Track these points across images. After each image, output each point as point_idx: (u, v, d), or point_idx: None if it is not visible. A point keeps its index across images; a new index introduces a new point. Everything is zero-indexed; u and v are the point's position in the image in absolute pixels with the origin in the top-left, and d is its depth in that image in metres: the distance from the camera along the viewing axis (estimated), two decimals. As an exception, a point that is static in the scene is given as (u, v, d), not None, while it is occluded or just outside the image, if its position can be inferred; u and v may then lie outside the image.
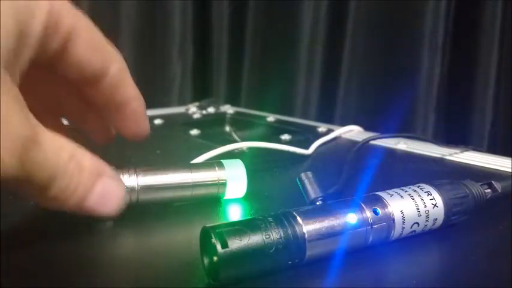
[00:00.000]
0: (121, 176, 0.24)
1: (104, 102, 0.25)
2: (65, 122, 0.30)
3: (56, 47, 0.21)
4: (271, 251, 0.18)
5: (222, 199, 0.27)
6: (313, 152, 0.40)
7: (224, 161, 0.27)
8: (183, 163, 0.28)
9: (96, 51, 0.23)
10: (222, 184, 0.27)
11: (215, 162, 0.27)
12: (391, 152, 0.41)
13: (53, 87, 0.26)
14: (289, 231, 0.18)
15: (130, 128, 0.26)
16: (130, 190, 0.24)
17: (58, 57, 0.21)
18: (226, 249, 0.17)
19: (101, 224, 0.24)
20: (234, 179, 0.27)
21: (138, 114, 0.26)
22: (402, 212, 0.21)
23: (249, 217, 0.19)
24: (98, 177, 0.20)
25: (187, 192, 0.26)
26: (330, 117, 0.80)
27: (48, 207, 0.20)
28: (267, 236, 0.18)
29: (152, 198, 0.25)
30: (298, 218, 0.19)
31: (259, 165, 0.29)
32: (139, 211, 0.26)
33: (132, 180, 0.24)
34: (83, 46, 0.22)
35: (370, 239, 0.20)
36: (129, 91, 0.25)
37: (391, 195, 0.22)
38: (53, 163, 0.18)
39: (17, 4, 0.18)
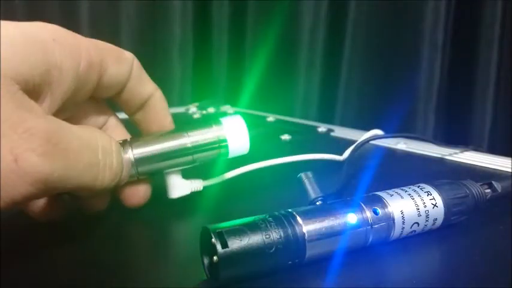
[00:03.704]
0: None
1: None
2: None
3: (94, 79, 0.22)
4: (271, 251, 0.18)
5: (226, 158, 0.26)
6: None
7: (222, 118, 0.26)
8: (179, 128, 0.26)
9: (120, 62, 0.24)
10: (223, 142, 0.25)
11: (212, 121, 0.26)
12: (391, 152, 0.41)
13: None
14: (289, 231, 0.18)
15: (154, 127, 0.26)
16: (128, 163, 0.23)
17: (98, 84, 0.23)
18: (226, 249, 0.17)
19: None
20: (234, 135, 0.25)
21: (161, 109, 0.26)
22: (402, 212, 0.21)
23: (249, 217, 0.19)
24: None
25: (188, 158, 0.25)
26: (330, 117, 0.80)
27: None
28: (267, 236, 0.18)
29: (150, 169, 0.24)
30: (298, 218, 0.19)
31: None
32: (139, 210, 0.26)
33: (128, 153, 0.24)
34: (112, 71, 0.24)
35: (370, 239, 0.20)
36: (148, 87, 0.26)
37: (391, 195, 0.22)
38: (90, 148, 0.20)
39: (70, 48, 0.21)
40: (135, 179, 0.25)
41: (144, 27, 0.82)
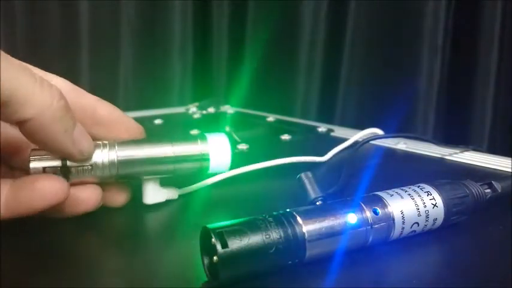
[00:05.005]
0: (100, 150, 0.24)
1: None
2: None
3: None
4: (271, 251, 0.18)
5: (206, 173, 0.27)
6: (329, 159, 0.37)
7: (207, 134, 0.27)
8: (165, 137, 0.27)
9: None
10: (205, 157, 0.26)
11: (198, 135, 0.27)
12: (391, 152, 0.41)
13: None
14: (289, 231, 0.18)
15: (124, 136, 0.26)
16: (110, 163, 0.24)
17: None
18: (226, 249, 0.17)
19: None
20: (217, 153, 0.26)
21: (114, 116, 0.25)
22: (402, 212, 0.21)
23: (249, 217, 0.19)
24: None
25: (169, 166, 0.25)
26: (330, 117, 0.80)
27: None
28: (267, 236, 0.18)
29: (132, 172, 0.25)
30: (298, 218, 0.19)
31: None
32: (138, 209, 0.26)
33: (112, 153, 0.24)
34: None
35: (370, 239, 0.20)
36: (88, 98, 0.25)
37: (391, 195, 0.22)
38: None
39: None
40: (112, 181, 0.25)
41: (144, 27, 0.82)
